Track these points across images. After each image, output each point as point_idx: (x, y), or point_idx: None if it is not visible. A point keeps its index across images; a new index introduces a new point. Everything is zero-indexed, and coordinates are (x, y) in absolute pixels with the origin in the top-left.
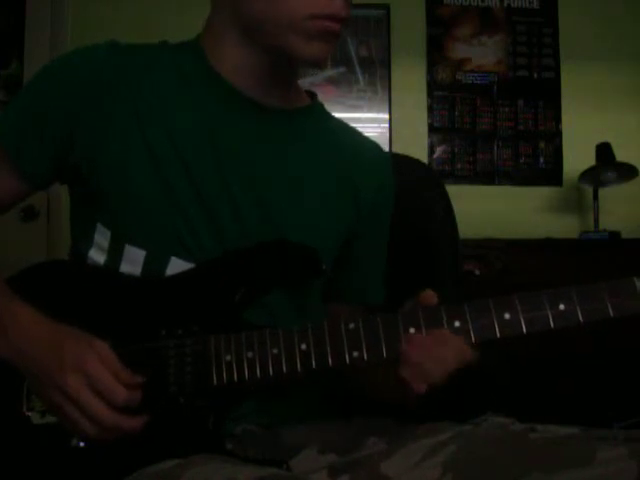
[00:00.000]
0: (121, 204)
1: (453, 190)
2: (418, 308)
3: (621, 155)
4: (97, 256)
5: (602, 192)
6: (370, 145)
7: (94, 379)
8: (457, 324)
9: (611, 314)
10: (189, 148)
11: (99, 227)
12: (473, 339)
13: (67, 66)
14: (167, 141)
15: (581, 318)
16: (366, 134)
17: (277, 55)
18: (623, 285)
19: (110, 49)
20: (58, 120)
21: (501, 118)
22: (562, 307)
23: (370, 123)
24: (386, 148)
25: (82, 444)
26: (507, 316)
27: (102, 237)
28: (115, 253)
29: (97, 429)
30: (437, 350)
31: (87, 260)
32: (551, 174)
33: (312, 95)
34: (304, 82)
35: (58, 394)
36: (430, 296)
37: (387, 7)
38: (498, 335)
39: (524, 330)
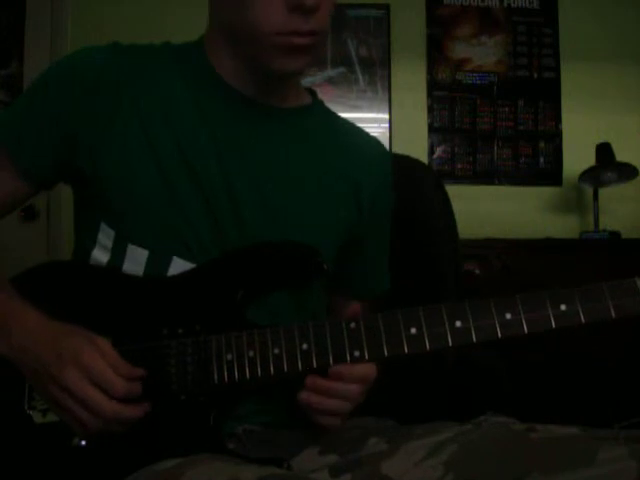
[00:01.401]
0: (124, 204)
1: (453, 190)
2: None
3: (621, 155)
4: (100, 256)
5: (602, 192)
6: (371, 142)
7: (91, 370)
8: (458, 324)
9: (613, 315)
10: (192, 148)
11: (103, 227)
12: (474, 339)
13: (70, 67)
14: (170, 142)
15: (583, 319)
16: (368, 133)
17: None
18: (624, 286)
19: (112, 50)
20: (61, 122)
21: (501, 118)
22: (564, 308)
23: (370, 123)
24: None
25: (83, 443)
26: (508, 316)
27: (106, 237)
28: (118, 253)
29: (97, 420)
30: (334, 386)
31: (90, 260)
32: (551, 174)
33: (312, 93)
34: (304, 82)
35: (57, 388)
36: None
37: (387, 7)
38: (499, 335)
39: (525, 330)
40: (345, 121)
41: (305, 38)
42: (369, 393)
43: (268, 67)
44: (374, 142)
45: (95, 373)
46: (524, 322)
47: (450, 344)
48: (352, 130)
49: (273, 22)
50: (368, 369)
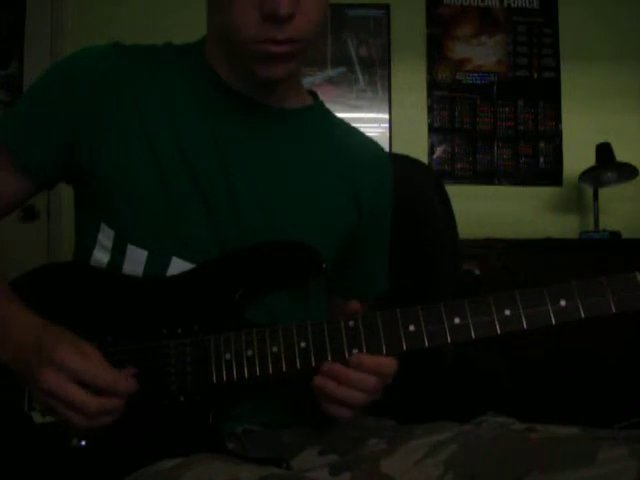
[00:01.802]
0: (124, 204)
1: (453, 190)
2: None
3: (621, 155)
4: (101, 256)
5: (602, 192)
6: (370, 144)
7: (66, 366)
8: (457, 320)
9: (613, 310)
10: (192, 148)
11: (103, 227)
12: (473, 335)
13: (70, 68)
14: (170, 142)
15: (582, 314)
16: (366, 134)
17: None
18: (625, 280)
19: (113, 50)
20: (61, 122)
21: (501, 118)
22: (563, 303)
23: (370, 123)
24: (386, 148)
25: (83, 443)
26: (507, 312)
27: (106, 237)
28: (118, 253)
29: (86, 418)
30: (350, 374)
31: (91, 260)
32: (551, 174)
33: (313, 95)
34: (304, 82)
35: (41, 392)
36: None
37: (387, 7)
38: (498, 331)
39: (524, 326)
40: (345, 123)
41: (282, 46)
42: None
43: (253, 73)
44: (374, 144)
45: (74, 371)
46: (523, 318)
47: (449, 341)
48: (352, 132)
49: (249, 30)
50: (388, 361)
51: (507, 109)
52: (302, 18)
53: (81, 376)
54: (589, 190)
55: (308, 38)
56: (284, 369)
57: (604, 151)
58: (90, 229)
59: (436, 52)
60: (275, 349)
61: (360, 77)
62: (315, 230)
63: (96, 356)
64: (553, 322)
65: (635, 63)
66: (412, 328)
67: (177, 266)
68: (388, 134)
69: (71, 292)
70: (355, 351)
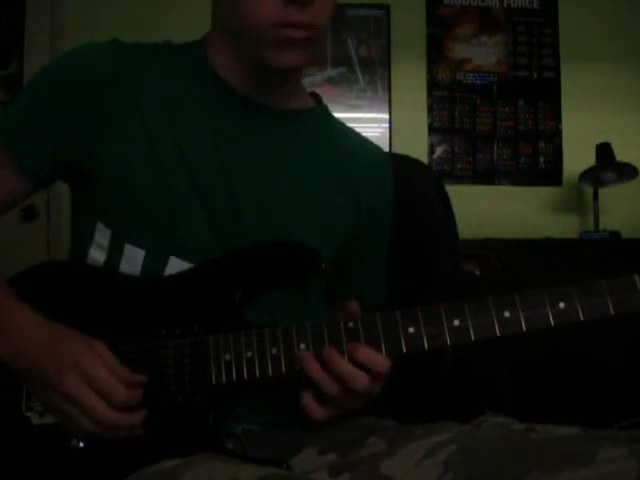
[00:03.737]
0: (122, 203)
1: (453, 190)
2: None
3: (621, 155)
4: (97, 255)
5: (602, 192)
6: (370, 147)
7: (93, 378)
8: (456, 322)
9: (612, 312)
10: (192, 148)
11: (99, 226)
12: (473, 337)
13: (71, 65)
14: (170, 142)
15: (581, 316)
16: (366, 134)
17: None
18: (624, 283)
19: (113, 47)
20: (60, 121)
21: (501, 118)
22: (562, 305)
23: (370, 123)
24: (386, 148)
25: (82, 444)
26: (507, 314)
27: (102, 236)
28: (115, 252)
29: (98, 428)
30: (343, 365)
31: (87, 259)
32: (551, 174)
33: (317, 98)
34: (304, 82)
35: (57, 395)
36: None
37: (387, 7)
38: (498, 333)
39: (524, 328)
40: (345, 126)
41: (301, 31)
42: (368, 402)
43: (264, 62)
44: (374, 146)
45: (96, 380)
46: (523, 320)
47: (448, 342)
48: (352, 134)
49: (268, 14)
50: (383, 360)
51: (507, 109)
52: (320, 5)
53: (99, 386)
54: (589, 190)
55: (322, 26)
56: (283, 371)
57: (604, 151)
58: (86, 228)
59: (436, 52)
60: (274, 350)
61: (360, 77)
62: (315, 230)
63: (115, 364)
64: (552, 324)
65: (635, 63)
66: (412, 330)
67: (175, 266)
68: (388, 134)
69: (68, 291)
70: None
